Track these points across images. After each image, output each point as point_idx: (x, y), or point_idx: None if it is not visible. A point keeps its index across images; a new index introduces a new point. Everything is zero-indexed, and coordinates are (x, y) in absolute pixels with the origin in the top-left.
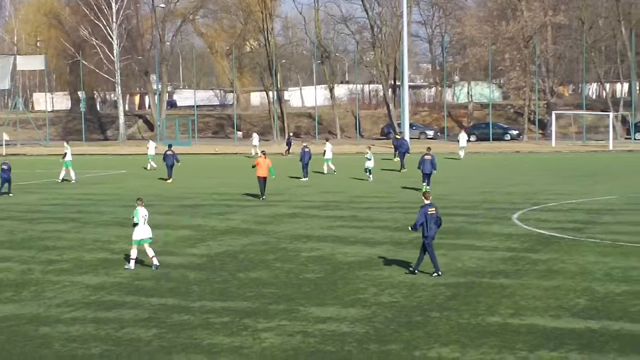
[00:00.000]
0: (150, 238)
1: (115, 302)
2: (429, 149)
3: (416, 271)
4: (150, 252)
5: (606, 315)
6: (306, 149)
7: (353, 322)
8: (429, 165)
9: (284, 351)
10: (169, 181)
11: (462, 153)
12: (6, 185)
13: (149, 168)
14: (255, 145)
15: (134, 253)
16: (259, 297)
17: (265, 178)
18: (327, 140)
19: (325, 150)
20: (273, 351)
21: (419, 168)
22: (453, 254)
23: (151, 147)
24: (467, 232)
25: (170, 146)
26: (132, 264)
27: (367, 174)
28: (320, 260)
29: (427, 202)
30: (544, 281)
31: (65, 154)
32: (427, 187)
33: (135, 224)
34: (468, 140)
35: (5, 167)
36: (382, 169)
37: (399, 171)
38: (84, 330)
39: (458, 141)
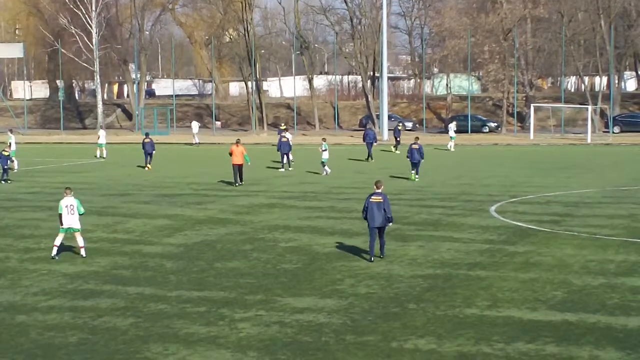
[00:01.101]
0: (77, 228)
1: (92, 291)
2: (417, 138)
3: (372, 259)
4: (80, 241)
5: (583, 307)
6: (283, 139)
7: (330, 312)
8: (417, 154)
9: (260, 341)
10: (147, 168)
11: (452, 144)
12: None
13: (98, 156)
14: (195, 134)
15: (57, 240)
16: (236, 287)
17: (240, 165)
18: (324, 140)
19: (285, 155)
20: (250, 341)
21: (407, 157)
22: (430, 245)
23: (102, 136)
24: (444, 224)
25: (147, 134)
26: (54, 251)
27: (322, 166)
28: (298, 250)
29: (376, 190)
30: (521, 273)
31: (10, 143)
32: (416, 176)
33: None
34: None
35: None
36: (351, 159)
37: (366, 160)
38: (60, 318)
39: (447, 132)
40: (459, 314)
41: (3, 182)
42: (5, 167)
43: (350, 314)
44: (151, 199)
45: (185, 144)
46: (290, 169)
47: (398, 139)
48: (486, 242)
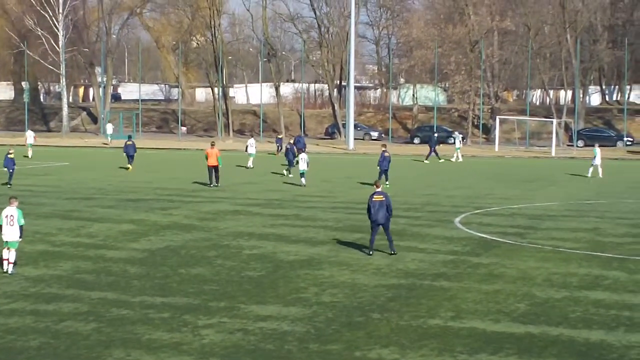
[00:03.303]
0: (15, 242)
1: (55, 295)
2: (384, 145)
3: (371, 252)
4: (11, 256)
5: (546, 320)
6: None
7: (294, 321)
8: (386, 162)
9: (224, 348)
10: (129, 169)
11: (459, 155)
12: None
13: (30, 156)
14: (109, 134)
15: (4, 254)
16: (200, 294)
17: (215, 167)
18: (303, 151)
19: (298, 161)
20: (213, 348)
21: (378, 166)
22: (395, 255)
23: (29, 137)
24: (409, 234)
25: (130, 137)
26: (4, 265)
27: (300, 177)
28: (262, 258)
29: (377, 189)
30: (485, 285)
31: None
32: (386, 183)
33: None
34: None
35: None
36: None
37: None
38: (22, 322)
39: (453, 143)
40: (423, 324)
41: (9, 185)
42: (12, 170)
43: (314, 323)
44: (115, 204)
45: (150, 148)
46: (290, 175)
47: (433, 148)
48: (450, 253)
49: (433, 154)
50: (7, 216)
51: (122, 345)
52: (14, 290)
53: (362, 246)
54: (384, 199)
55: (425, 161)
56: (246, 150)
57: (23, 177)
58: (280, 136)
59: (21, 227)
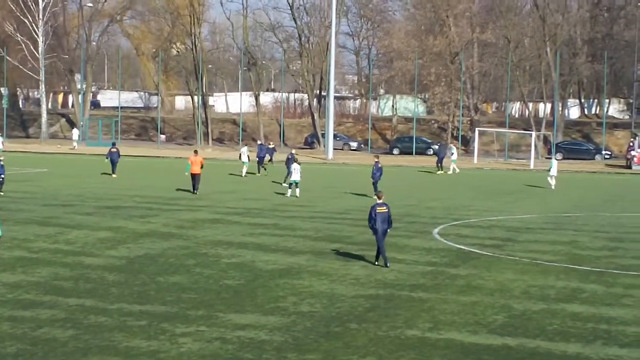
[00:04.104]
0: None
1: (32, 302)
2: (376, 156)
3: (388, 264)
4: None
5: (523, 332)
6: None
7: (272, 330)
8: (379, 173)
9: (201, 357)
10: (113, 176)
11: (454, 167)
12: None
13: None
14: (75, 140)
15: None
16: (178, 302)
17: (198, 175)
18: (295, 161)
19: (292, 172)
20: (190, 356)
21: (372, 177)
22: (373, 266)
23: None
24: (388, 245)
25: (114, 144)
26: None
27: (289, 187)
28: (241, 267)
29: (378, 201)
30: (463, 296)
31: None
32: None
33: None
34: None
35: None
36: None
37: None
38: None
39: (438, 154)
40: (401, 335)
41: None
42: (2, 177)
43: (292, 332)
44: (94, 211)
45: (129, 155)
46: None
47: (441, 158)
48: (429, 264)
49: (438, 163)
50: None
51: (100, 353)
52: None
53: (341, 256)
54: (386, 210)
55: (439, 172)
56: (240, 159)
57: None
58: (271, 145)
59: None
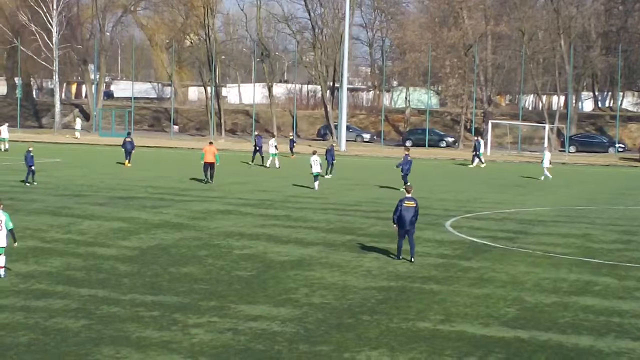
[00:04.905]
0: (2, 247)
1: (45, 292)
2: (407, 149)
3: (399, 257)
4: (1, 260)
5: (535, 325)
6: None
7: (284, 321)
8: (408, 166)
9: (213, 348)
10: (127, 165)
11: (480, 160)
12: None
13: (2, 149)
14: (78, 130)
15: None
16: (190, 293)
17: (212, 164)
18: (314, 153)
19: (311, 164)
20: (202, 347)
21: (398, 167)
22: (385, 258)
23: (4, 131)
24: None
25: (129, 134)
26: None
27: (314, 180)
28: (253, 258)
29: (407, 195)
30: (475, 289)
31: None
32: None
33: None
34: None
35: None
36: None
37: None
38: (12, 318)
39: (476, 149)
40: (412, 327)
41: (28, 183)
42: (32, 166)
43: (303, 324)
44: (106, 201)
45: (142, 146)
46: (328, 176)
47: (478, 152)
48: (441, 257)
49: (476, 158)
50: None
51: (112, 343)
52: (4, 286)
53: (353, 248)
54: (414, 204)
55: (471, 165)
56: (268, 151)
57: (14, 173)
58: (291, 137)
59: (11, 230)
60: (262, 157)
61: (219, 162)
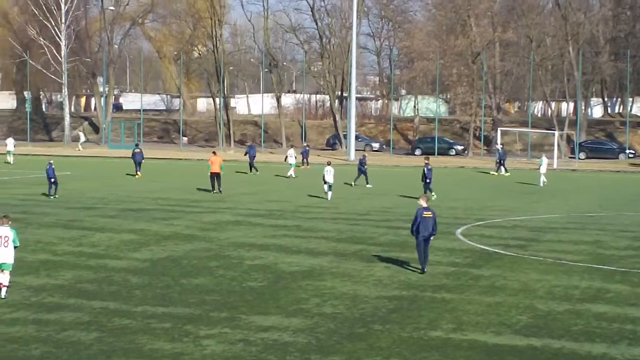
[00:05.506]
0: (10, 265)
1: (57, 304)
2: (427, 158)
3: (425, 269)
4: (5, 279)
5: (548, 333)
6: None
7: (295, 331)
8: (429, 173)
9: (225, 359)
10: (137, 176)
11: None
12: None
13: (11, 162)
14: (80, 142)
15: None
16: (201, 304)
17: (218, 174)
18: (329, 164)
19: (324, 175)
20: (214, 358)
21: (424, 180)
22: (396, 267)
23: (10, 144)
24: (411, 246)
25: (137, 145)
26: (2, 292)
27: (327, 190)
28: (263, 268)
29: (424, 205)
30: (486, 297)
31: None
32: (433, 195)
33: None
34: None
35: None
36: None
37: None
38: (24, 331)
39: (500, 157)
40: (424, 336)
41: (51, 196)
42: (54, 179)
43: (315, 334)
44: (117, 213)
45: (151, 158)
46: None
47: (502, 160)
48: (452, 265)
49: (502, 167)
50: (0, 237)
51: (124, 355)
52: (16, 299)
53: (364, 258)
54: (432, 214)
55: (494, 173)
56: (285, 160)
57: (25, 186)
58: (306, 146)
59: (15, 248)
60: (251, 167)
61: (224, 172)
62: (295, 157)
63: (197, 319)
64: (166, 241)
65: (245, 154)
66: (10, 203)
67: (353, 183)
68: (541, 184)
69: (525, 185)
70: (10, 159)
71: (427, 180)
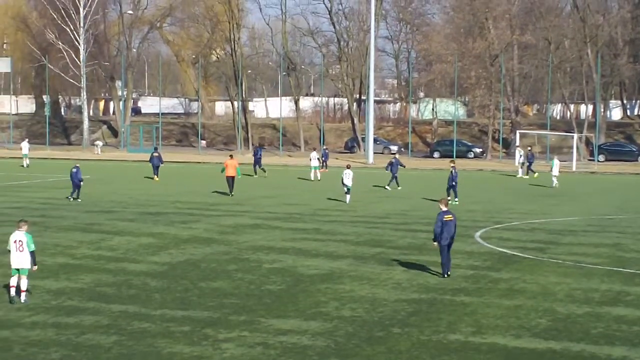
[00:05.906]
0: (26, 269)
1: (76, 308)
2: (452, 161)
3: (447, 274)
4: (23, 284)
5: (567, 336)
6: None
7: (314, 335)
8: (453, 176)
9: None
10: (156, 179)
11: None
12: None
13: (25, 165)
14: (98, 146)
15: (12, 281)
16: (220, 307)
17: (233, 177)
18: (348, 167)
19: (342, 178)
20: None
21: (452, 183)
22: (415, 270)
23: (25, 147)
24: (429, 249)
25: (156, 149)
26: (11, 292)
27: (346, 194)
28: (282, 272)
29: (444, 209)
30: (506, 300)
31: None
32: (456, 199)
33: (8, 251)
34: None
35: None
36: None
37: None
38: (44, 335)
39: (529, 159)
40: (443, 339)
41: (73, 199)
42: (80, 182)
43: (334, 337)
44: (136, 217)
45: (170, 161)
46: (388, 188)
47: (531, 161)
48: (471, 268)
49: (528, 169)
50: (15, 241)
51: (143, 359)
52: (36, 302)
53: (382, 261)
54: (452, 218)
55: (526, 176)
56: (310, 163)
57: (44, 190)
58: (325, 149)
59: (32, 252)
60: (255, 169)
61: (240, 176)
62: (318, 159)
63: (216, 323)
64: (185, 244)
65: (256, 156)
66: (29, 207)
67: (388, 187)
68: (554, 185)
69: (543, 188)
70: (25, 162)
71: (453, 183)
